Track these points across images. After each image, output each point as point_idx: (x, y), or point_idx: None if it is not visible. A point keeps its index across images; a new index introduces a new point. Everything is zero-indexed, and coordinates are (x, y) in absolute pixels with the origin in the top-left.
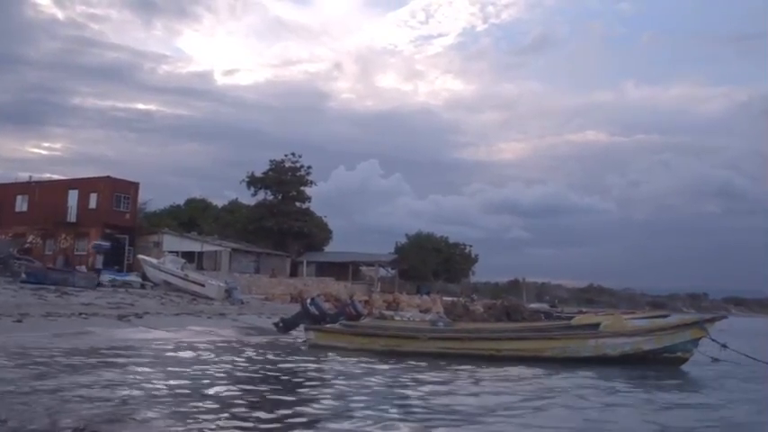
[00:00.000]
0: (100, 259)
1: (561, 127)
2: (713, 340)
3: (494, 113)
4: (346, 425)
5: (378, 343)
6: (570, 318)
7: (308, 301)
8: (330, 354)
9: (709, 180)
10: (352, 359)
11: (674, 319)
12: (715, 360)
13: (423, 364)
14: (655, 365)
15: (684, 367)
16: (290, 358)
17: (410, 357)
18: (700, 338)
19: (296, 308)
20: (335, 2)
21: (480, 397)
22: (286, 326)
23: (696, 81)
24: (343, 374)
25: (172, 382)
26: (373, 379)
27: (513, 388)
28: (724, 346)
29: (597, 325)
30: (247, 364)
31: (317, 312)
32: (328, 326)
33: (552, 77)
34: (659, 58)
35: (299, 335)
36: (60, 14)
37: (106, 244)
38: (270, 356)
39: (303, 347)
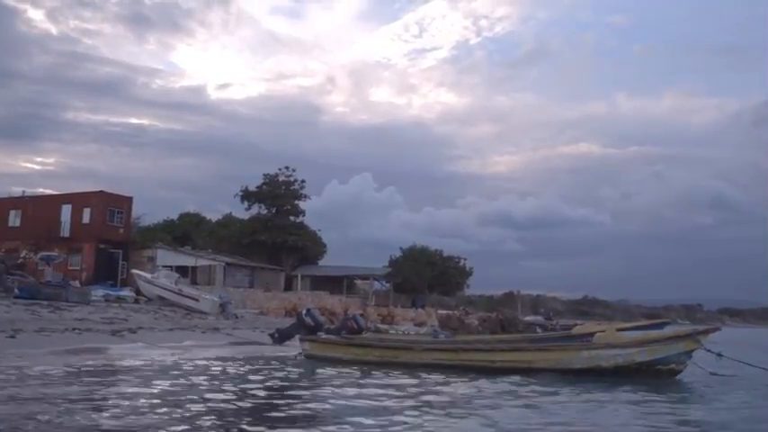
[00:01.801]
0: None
1: (554, 139)
2: (708, 350)
3: (487, 126)
4: None
5: (373, 354)
6: (568, 329)
7: (304, 311)
8: (325, 365)
9: (702, 191)
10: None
11: (668, 330)
12: (713, 374)
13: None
14: (648, 377)
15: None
16: (284, 370)
17: (404, 368)
18: (693, 350)
19: (290, 322)
20: (329, 16)
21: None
22: (281, 337)
23: (688, 92)
24: (335, 387)
25: (156, 398)
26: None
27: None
28: (719, 355)
29: (592, 335)
30: (243, 378)
31: (312, 323)
32: (324, 336)
33: (545, 90)
34: (651, 69)
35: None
36: (53, 29)
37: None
38: (264, 368)
39: (298, 358)
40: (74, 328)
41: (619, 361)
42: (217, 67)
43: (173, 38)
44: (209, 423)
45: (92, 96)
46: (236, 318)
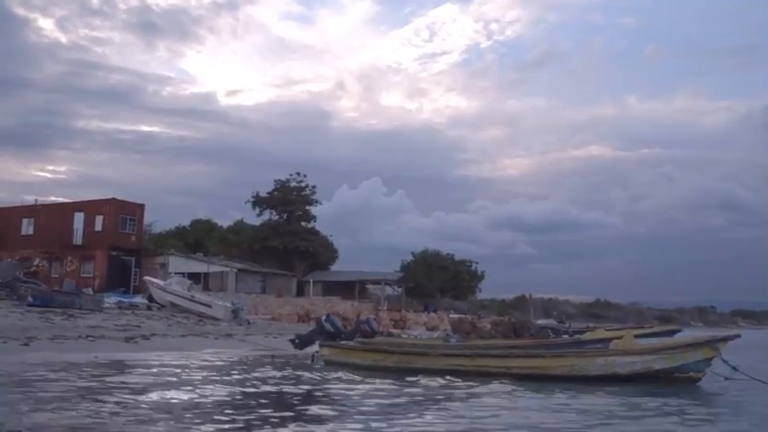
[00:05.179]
0: None
1: (565, 142)
2: (724, 362)
3: (497, 130)
4: None
5: (390, 359)
6: (581, 332)
7: (323, 317)
8: (344, 370)
9: (713, 193)
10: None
11: (686, 337)
12: (728, 379)
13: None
14: (665, 385)
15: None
16: (303, 374)
17: (421, 374)
18: (712, 358)
19: (302, 328)
20: (338, 21)
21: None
22: (302, 342)
23: (698, 94)
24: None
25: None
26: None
27: None
28: (734, 368)
29: (607, 341)
30: (267, 383)
31: (332, 329)
32: (343, 342)
33: (556, 93)
34: (661, 71)
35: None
36: (63, 38)
37: None
38: (287, 372)
39: (317, 364)
40: (87, 336)
41: (636, 368)
42: (226, 74)
43: (182, 45)
44: None
45: (102, 104)
46: (249, 324)
